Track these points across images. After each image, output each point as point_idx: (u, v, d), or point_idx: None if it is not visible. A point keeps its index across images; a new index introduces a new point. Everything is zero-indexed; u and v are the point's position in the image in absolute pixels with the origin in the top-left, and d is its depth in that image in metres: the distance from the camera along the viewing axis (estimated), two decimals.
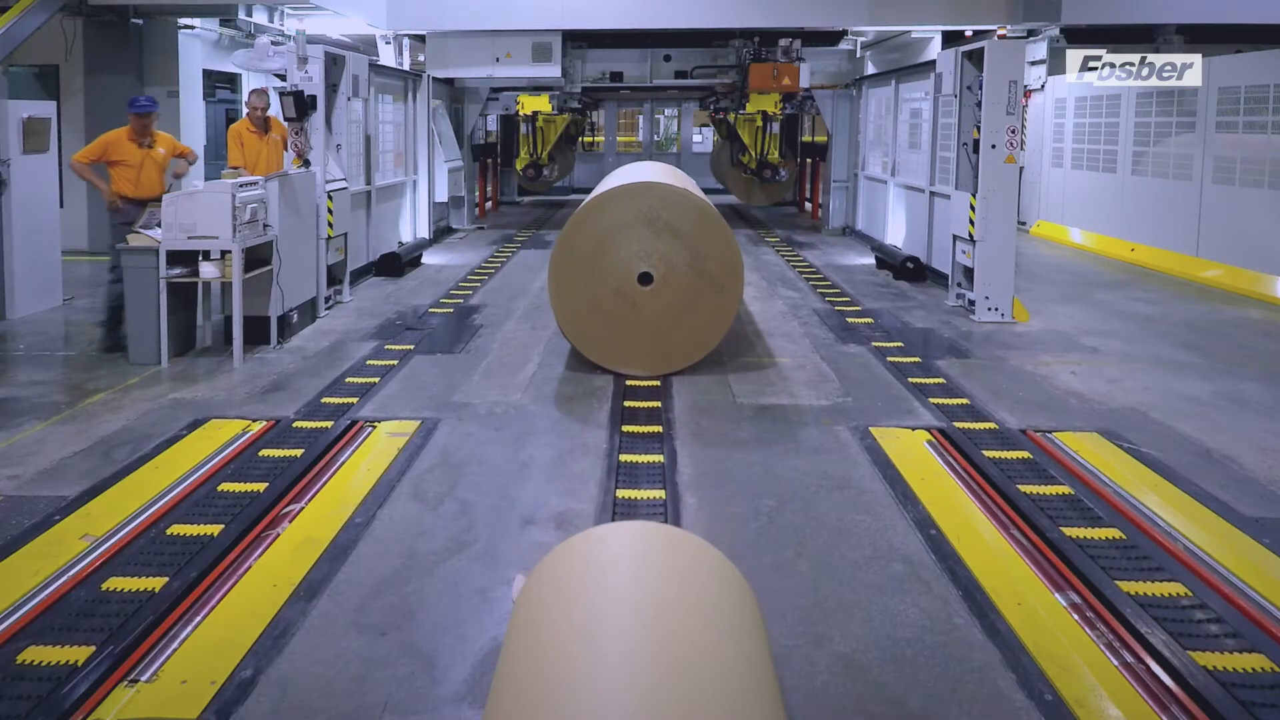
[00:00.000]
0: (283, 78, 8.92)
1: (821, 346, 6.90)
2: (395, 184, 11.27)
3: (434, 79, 12.59)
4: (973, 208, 7.86)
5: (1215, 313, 8.17)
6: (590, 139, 22.76)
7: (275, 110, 8.16)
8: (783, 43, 13.04)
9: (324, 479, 4.34)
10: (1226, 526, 3.86)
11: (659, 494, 4.16)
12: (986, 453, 4.65)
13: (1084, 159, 12.56)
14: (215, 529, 3.75)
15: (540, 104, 15.24)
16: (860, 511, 4.01)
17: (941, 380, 5.99)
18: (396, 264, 10.05)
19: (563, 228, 6.05)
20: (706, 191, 7.89)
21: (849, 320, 7.81)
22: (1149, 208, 10.99)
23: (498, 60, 12.41)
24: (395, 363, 6.34)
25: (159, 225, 6.12)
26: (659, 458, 4.62)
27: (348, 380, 5.93)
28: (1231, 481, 4.35)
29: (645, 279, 5.86)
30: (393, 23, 11.91)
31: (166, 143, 6.98)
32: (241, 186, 6.25)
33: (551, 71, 12.51)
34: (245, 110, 8.04)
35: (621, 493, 4.19)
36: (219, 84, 13.07)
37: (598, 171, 19.51)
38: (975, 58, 8.06)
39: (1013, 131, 7.67)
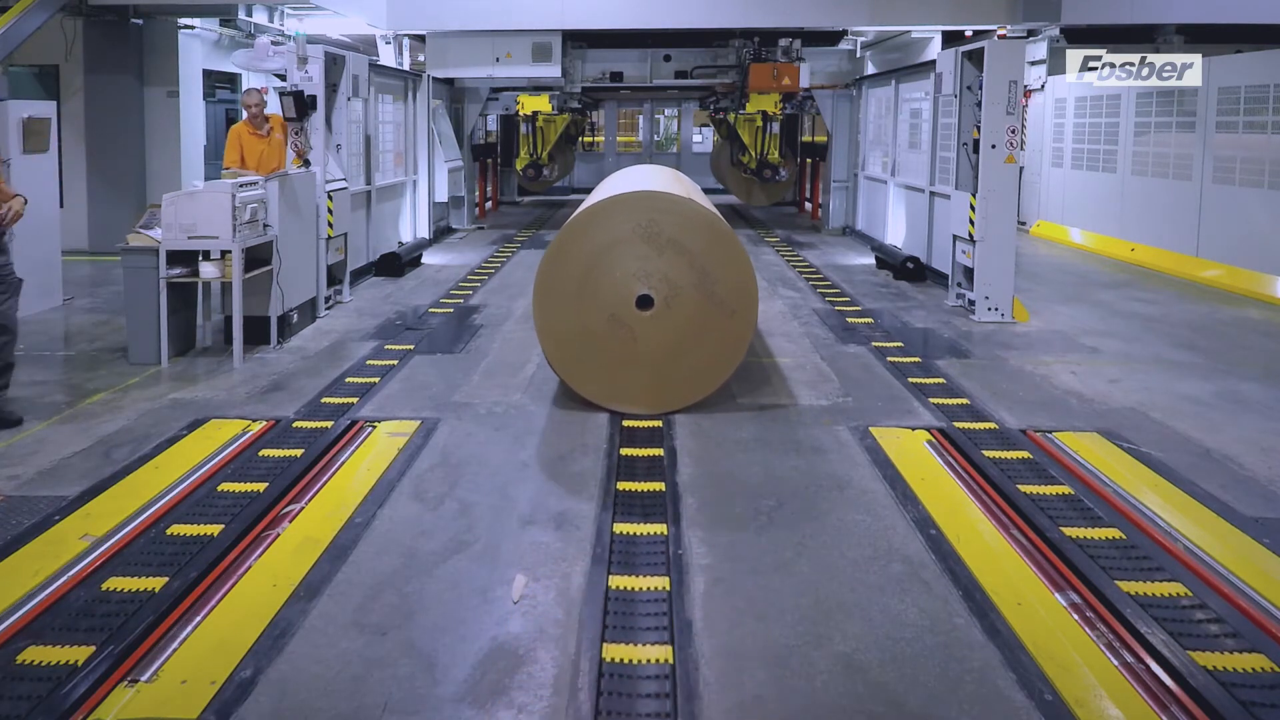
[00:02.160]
0: (283, 78, 8.93)
1: (821, 346, 6.90)
2: (395, 184, 11.26)
3: (434, 79, 12.59)
4: (973, 208, 7.86)
5: (1215, 313, 8.17)
6: (590, 139, 22.77)
7: (273, 107, 8.15)
8: (783, 43, 13.06)
9: (324, 479, 4.33)
10: (1226, 526, 3.85)
11: (659, 506, 4.15)
12: (986, 453, 4.65)
13: (1084, 159, 12.56)
14: (215, 529, 3.75)
15: (540, 104, 15.26)
16: (860, 511, 4.01)
17: (941, 380, 5.99)
18: (396, 264, 10.05)
19: (549, 243, 5.41)
20: (706, 191, 7.87)
21: (849, 320, 7.81)
22: (1149, 208, 10.98)
23: (498, 60, 12.42)
24: (395, 363, 6.34)
25: (159, 225, 6.13)
26: (659, 453, 4.62)
27: (348, 380, 5.93)
28: (1231, 481, 4.35)
29: (645, 303, 5.16)
30: (393, 23, 11.93)
31: None
32: (241, 186, 6.25)
33: (551, 71, 12.53)
34: (245, 113, 8.02)
35: (621, 506, 4.18)
36: (219, 84, 13.09)
37: (598, 171, 19.53)
38: (975, 58, 8.07)
39: (1013, 131, 7.67)
